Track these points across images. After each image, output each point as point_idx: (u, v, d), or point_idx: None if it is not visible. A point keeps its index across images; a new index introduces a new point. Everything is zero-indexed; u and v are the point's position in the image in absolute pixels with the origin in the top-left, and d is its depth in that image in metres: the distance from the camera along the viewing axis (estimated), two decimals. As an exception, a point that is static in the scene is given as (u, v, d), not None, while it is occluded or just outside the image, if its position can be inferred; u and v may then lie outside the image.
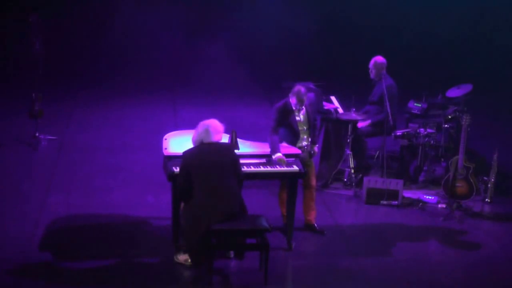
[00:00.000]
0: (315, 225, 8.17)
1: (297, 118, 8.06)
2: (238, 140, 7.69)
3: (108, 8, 15.06)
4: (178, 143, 7.58)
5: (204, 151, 7.01)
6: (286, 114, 8.03)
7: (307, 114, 8.12)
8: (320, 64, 14.48)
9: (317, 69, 13.73)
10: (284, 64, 14.82)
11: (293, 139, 8.08)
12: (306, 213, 8.19)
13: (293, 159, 7.70)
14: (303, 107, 8.09)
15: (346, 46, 15.33)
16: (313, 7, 15.51)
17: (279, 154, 7.68)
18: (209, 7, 15.55)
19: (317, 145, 8.28)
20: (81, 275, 7.00)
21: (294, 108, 8.03)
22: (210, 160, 6.95)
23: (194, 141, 7.12)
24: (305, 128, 8.12)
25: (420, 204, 9.06)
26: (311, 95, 8.29)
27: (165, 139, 7.78)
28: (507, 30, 15.21)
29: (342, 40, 15.42)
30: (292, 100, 8.02)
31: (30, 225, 8.01)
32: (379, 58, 9.75)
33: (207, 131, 7.06)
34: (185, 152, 7.09)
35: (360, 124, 9.65)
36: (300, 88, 7.99)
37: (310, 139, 8.16)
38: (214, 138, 7.07)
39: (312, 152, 8.14)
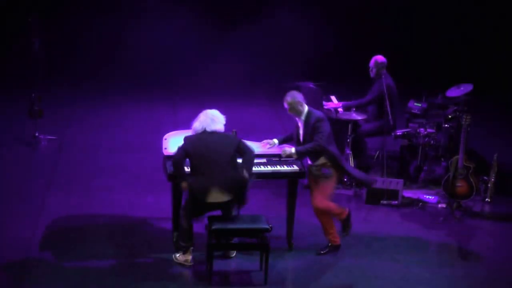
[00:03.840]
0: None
1: (300, 131, 7.52)
2: (238, 140, 7.66)
3: (108, 8, 15.06)
4: (178, 143, 7.56)
5: (207, 137, 6.99)
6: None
7: (304, 130, 7.43)
8: (320, 64, 14.48)
9: (318, 69, 13.75)
10: (285, 64, 14.82)
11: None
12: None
13: (294, 159, 7.68)
14: (300, 120, 7.43)
15: (346, 46, 15.33)
16: (313, 7, 15.52)
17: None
18: (208, 8, 15.55)
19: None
20: (81, 275, 7.00)
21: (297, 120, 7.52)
22: (213, 146, 6.93)
23: (195, 130, 7.08)
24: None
25: (420, 204, 9.06)
26: (320, 113, 7.43)
27: (165, 139, 7.78)
28: (506, 30, 15.22)
29: (342, 40, 15.42)
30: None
31: (30, 225, 8.01)
32: (380, 57, 9.74)
33: (211, 119, 7.05)
34: (187, 136, 7.08)
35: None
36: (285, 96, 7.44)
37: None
38: (217, 127, 7.07)
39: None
